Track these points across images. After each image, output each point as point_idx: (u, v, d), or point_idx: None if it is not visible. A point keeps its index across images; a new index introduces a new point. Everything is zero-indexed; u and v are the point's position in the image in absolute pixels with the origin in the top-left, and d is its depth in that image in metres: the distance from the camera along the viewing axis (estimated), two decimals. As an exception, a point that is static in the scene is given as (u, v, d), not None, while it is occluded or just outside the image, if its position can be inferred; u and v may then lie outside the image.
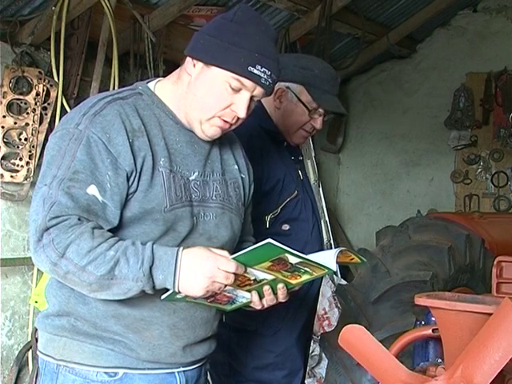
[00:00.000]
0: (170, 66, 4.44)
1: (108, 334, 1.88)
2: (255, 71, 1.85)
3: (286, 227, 2.66)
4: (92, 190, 1.77)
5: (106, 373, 1.89)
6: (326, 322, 4.72)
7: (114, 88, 3.96)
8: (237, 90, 1.88)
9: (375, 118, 6.52)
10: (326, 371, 3.06)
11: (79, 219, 1.75)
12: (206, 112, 1.90)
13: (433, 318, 2.00)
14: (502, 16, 6.14)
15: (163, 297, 1.80)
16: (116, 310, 1.87)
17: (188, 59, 1.92)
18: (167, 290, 1.79)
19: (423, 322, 2.23)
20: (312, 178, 5.42)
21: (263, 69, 1.86)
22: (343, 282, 4.90)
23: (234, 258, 1.78)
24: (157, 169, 1.86)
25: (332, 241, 5.70)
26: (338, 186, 6.68)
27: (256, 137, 2.59)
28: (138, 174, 1.83)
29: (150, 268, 1.75)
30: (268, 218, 2.62)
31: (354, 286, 3.09)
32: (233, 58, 1.85)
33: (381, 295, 2.97)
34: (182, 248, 1.79)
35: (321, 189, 5.81)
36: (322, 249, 2.83)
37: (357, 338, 1.74)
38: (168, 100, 1.96)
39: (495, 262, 2.43)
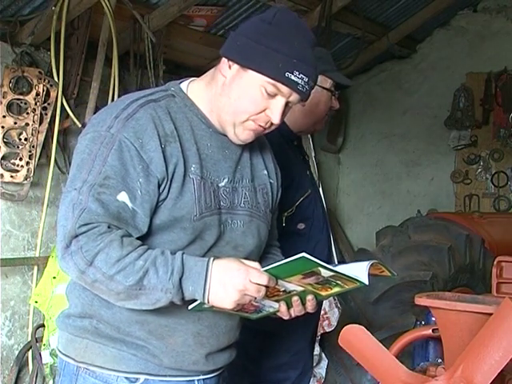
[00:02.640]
0: (170, 66, 4.45)
1: (131, 339, 1.85)
2: (292, 77, 1.80)
3: (301, 226, 2.67)
4: (122, 196, 1.73)
5: (126, 378, 1.85)
6: (326, 321, 4.71)
7: (113, 88, 3.97)
8: (272, 95, 1.83)
9: (375, 118, 6.52)
10: (325, 371, 3.07)
11: (109, 227, 1.71)
12: (239, 115, 1.85)
13: (433, 318, 2.00)
14: (501, 16, 6.14)
15: (191, 307, 1.77)
16: (140, 316, 1.83)
17: (223, 60, 1.86)
18: (195, 300, 1.75)
19: (423, 322, 2.23)
20: (314, 177, 5.42)
21: (301, 75, 1.81)
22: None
23: (265, 271, 1.73)
24: (188, 175, 1.82)
25: (332, 241, 5.70)
26: (338, 186, 6.68)
27: (272, 136, 2.62)
28: (169, 181, 1.79)
29: (180, 279, 1.70)
30: (284, 217, 2.63)
31: (354, 286, 3.09)
32: (270, 63, 1.79)
33: (381, 295, 2.97)
34: (212, 259, 1.74)
35: (321, 189, 5.81)
36: (330, 248, 2.84)
37: (357, 338, 1.74)
38: (201, 102, 1.91)
39: (495, 262, 2.43)
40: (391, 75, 6.50)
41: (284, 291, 1.81)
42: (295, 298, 1.85)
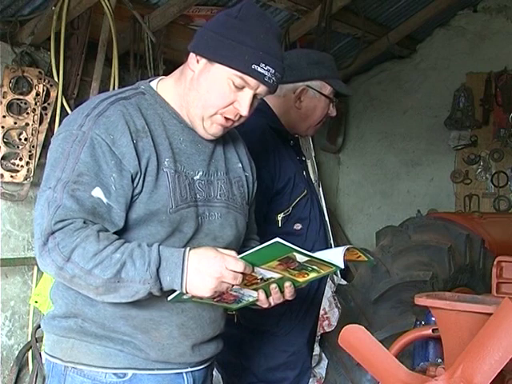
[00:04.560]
0: (170, 66, 4.44)
1: (116, 335, 1.86)
2: (259, 69, 1.83)
3: (298, 226, 2.67)
4: (97, 192, 1.75)
5: (114, 374, 1.87)
6: (326, 321, 4.72)
7: (114, 88, 3.96)
8: (240, 88, 1.86)
9: (375, 117, 6.52)
10: (325, 371, 3.06)
11: (84, 222, 1.73)
12: (207, 109, 1.88)
13: (433, 318, 2.00)
14: (502, 16, 6.14)
15: (170, 298, 1.79)
16: (124, 311, 1.85)
17: (191, 55, 1.90)
18: (174, 291, 1.78)
19: (423, 322, 2.23)
20: (312, 178, 5.42)
21: (267, 67, 1.84)
22: (343, 281, 4.90)
23: (241, 258, 1.76)
24: (161, 169, 1.84)
25: (332, 241, 5.71)
26: (338, 186, 6.68)
27: (268, 136, 2.62)
28: (142, 176, 1.81)
29: (157, 270, 1.73)
30: (280, 217, 2.63)
31: (353, 286, 3.09)
32: (236, 56, 1.83)
33: (381, 295, 2.97)
34: (188, 248, 1.77)
35: (321, 189, 5.81)
36: (327, 248, 2.84)
37: (357, 338, 1.74)
38: (171, 98, 1.94)
39: (495, 262, 2.43)
40: (391, 75, 6.50)
41: (262, 279, 1.84)
42: (273, 286, 1.88)
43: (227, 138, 2.06)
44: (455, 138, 6.10)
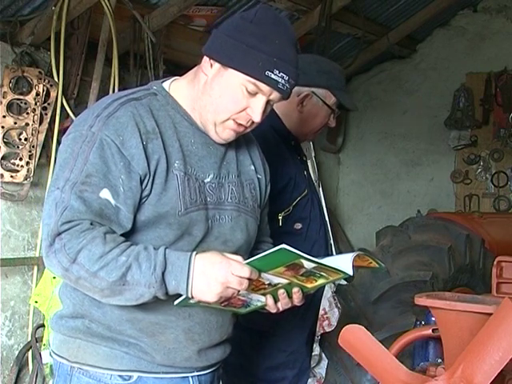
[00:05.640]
0: (170, 66, 4.45)
1: (123, 337, 1.85)
2: (272, 76, 1.80)
3: (298, 226, 2.67)
4: (105, 193, 1.74)
5: (120, 376, 1.86)
6: (326, 321, 4.72)
7: (114, 88, 3.97)
8: (253, 94, 1.83)
9: (375, 117, 6.52)
10: (325, 371, 3.06)
11: (91, 224, 1.72)
12: (220, 114, 1.86)
13: (433, 318, 2.00)
14: (501, 16, 6.14)
15: (176, 302, 1.77)
16: (131, 314, 1.84)
17: (205, 58, 1.88)
18: (180, 295, 1.76)
19: (423, 322, 2.23)
20: (312, 177, 5.42)
21: (281, 73, 1.81)
22: (343, 281, 4.90)
23: (247, 263, 1.74)
24: (171, 171, 1.83)
25: (332, 241, 5.70)
26: (338, 186, 6.68)
27: (270, 136, 2.62)
28: (151, 178, 1.80)
29: (163, 273, 1.71)
30: (280, 217, 2.63)
31: (354, 286, 3.09)
32: (250, 62, 1.80)
33: (381, 295, 2.97)
34: (195, 253, 1.75)
35: (321, 189, 5.81)
36: (327, 248, 2.84)
37: (357, 338, 1.74)
38: (183, 100, 1.92)
39: (495, 262, 2.43)
40: (391, 75, 6.50)
41: (269, 284, 1.82)
42: (281, 291, 1.86)
43: (241, 139, 2.03)
44: (455, 138, 6.10)
